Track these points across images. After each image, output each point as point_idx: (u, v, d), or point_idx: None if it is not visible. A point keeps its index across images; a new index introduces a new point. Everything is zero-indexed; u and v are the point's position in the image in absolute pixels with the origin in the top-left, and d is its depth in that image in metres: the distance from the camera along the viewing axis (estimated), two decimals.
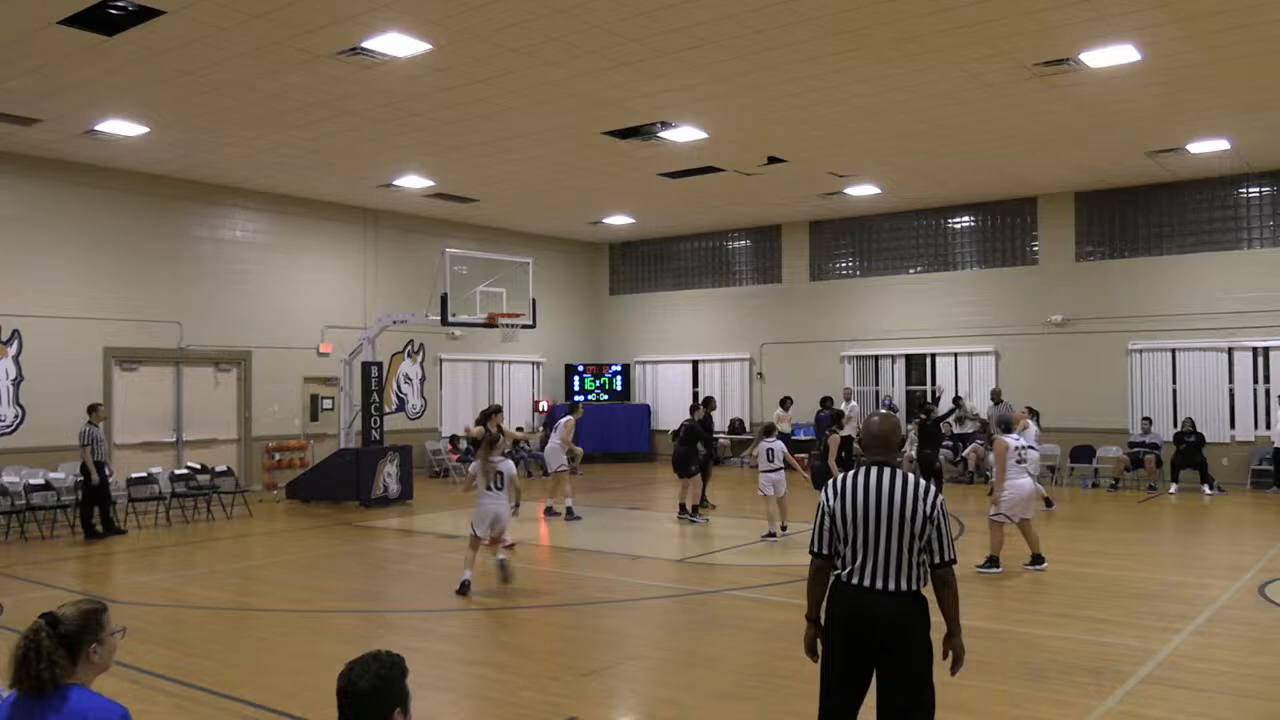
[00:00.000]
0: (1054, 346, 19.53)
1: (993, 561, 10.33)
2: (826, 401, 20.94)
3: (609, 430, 23.50)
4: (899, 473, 4.28)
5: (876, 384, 22.01)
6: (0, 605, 3.34)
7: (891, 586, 4.18)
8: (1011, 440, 10.53)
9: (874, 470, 4.31)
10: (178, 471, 15.86)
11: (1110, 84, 12.36)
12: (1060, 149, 15.93)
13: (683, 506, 14.46)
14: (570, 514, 14.61)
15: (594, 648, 7.94)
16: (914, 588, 4.20)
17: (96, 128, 14.05)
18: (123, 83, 12.11)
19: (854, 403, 20.63)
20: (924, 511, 4.19)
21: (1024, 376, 19.52)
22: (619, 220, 22.55)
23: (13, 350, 15.52)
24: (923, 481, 4.29)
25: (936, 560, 4.21)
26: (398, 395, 21.24)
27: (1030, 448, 11.04)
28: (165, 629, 8.47)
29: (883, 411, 4.94)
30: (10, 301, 15.49)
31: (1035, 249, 19.97)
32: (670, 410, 24.73)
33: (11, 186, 15.57)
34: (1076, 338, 19.32)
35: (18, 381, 15.53)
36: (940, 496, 4.28)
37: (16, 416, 15.50)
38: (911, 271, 21.46)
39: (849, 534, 4.26)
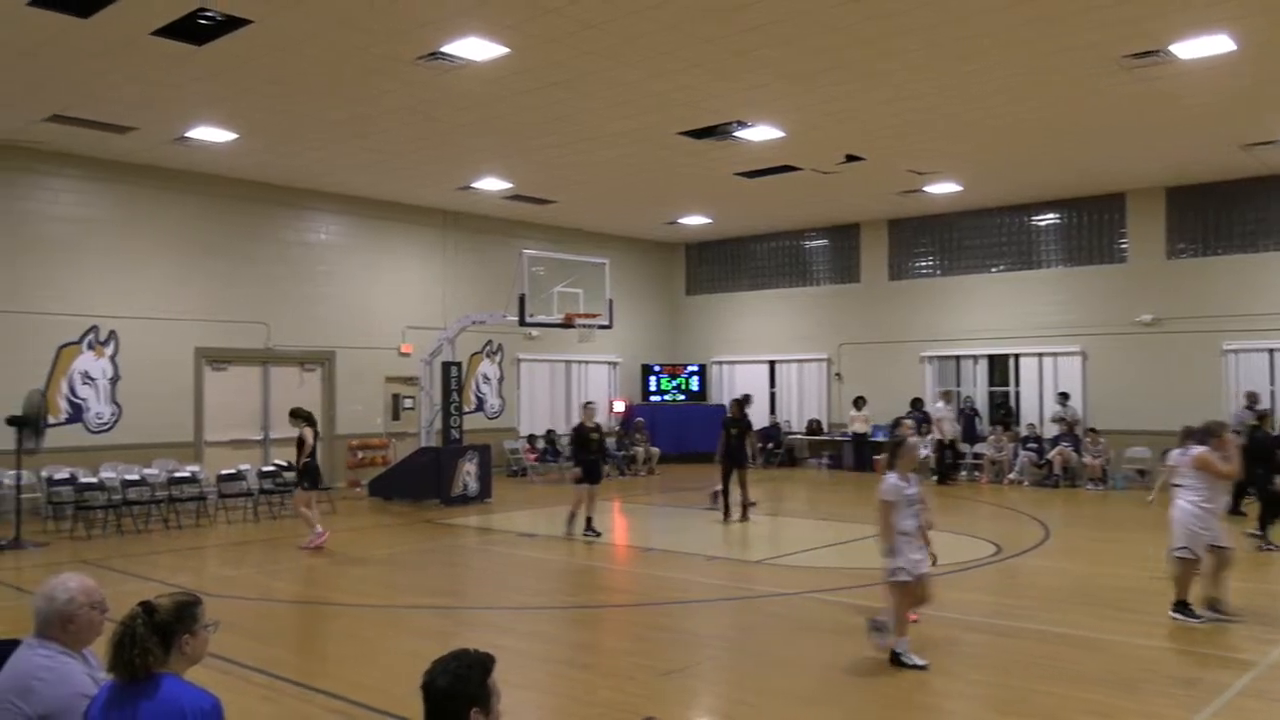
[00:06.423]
0: (1143, 346, 18.94)
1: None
2: (916, 403, 20.75)
3: (686, 431, 23.45)
4: None
5: (958, 385, 21.59)
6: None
7: None
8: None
9: None
10: (265, 468, 16.28)
11: (1202, 75, 11.94)
12: (1149, 143, 15.45)
13: (589, 521, 13.17)
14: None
15: (671, 648, 7.92)
16: None
17: (187, 135, 14.49)
18: (212, 90, 12.47)
19: (940, 403, 20.30)
20: None
21: (1112, 377, 19.00)
22: (695, 220, 22.51)
23: (110, 351, 16.09)
24: None
25: None
26: (476, 395, 21.49)
27: None
28: (253, 622, 8.70)
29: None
30: (108, 304, 16.07)
31: (1124, 246, 19.40)
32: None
33: (107, 192, 16.14)
34: (1167, 338, 18.72)
35: (115, 381, 16.11)
36: None
37: (114, 414, 16.07)
38: (994, 270, 21.01)
39: None
